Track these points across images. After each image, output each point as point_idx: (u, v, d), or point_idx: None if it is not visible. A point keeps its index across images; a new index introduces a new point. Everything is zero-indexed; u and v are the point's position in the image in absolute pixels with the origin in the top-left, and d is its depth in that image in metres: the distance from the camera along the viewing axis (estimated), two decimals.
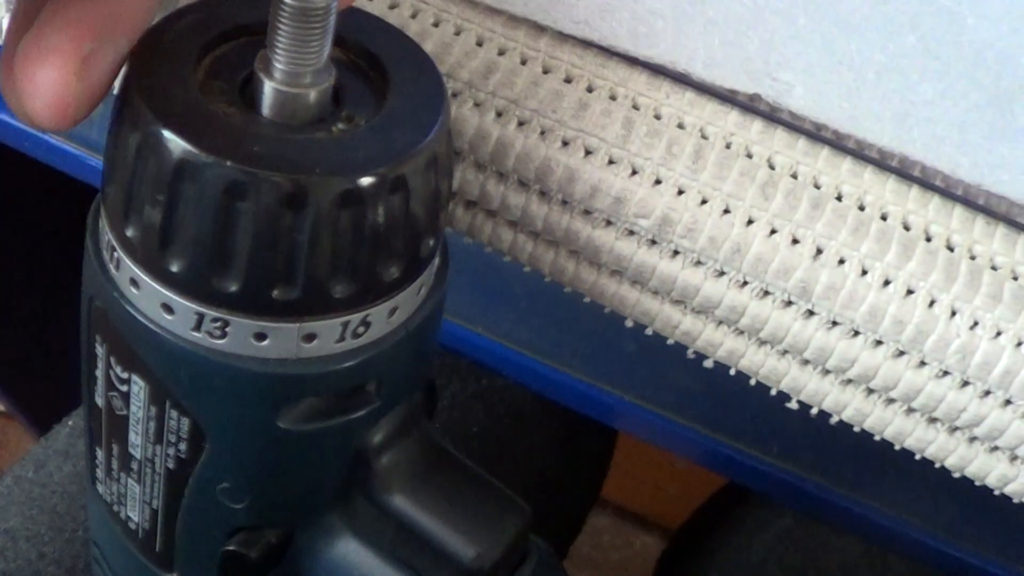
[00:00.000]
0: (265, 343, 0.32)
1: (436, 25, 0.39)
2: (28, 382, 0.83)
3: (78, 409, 0.59)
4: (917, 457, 0.40)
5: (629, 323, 0.40)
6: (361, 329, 0.33)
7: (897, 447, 0.40)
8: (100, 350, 0.35)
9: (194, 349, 0.33)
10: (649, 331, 0.40)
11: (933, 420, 0.39)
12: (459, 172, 0.39)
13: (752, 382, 0.40)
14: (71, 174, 0.53)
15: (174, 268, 0.32)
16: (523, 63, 0.38)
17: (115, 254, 0.33)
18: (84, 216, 0.35)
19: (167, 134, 0.31)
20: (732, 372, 0.40)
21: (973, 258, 0.38)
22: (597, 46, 0.38)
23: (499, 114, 0.38)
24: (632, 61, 0.38)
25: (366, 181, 0.31)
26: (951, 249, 0.38)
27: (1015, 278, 0.38)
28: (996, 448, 0.39)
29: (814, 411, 0.40)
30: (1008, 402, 0.38)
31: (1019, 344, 0.37)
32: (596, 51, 0.39)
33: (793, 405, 0.40)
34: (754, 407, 0.47)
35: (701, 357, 0.41)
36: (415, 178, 0.32)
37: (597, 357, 0.49)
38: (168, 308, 0.32)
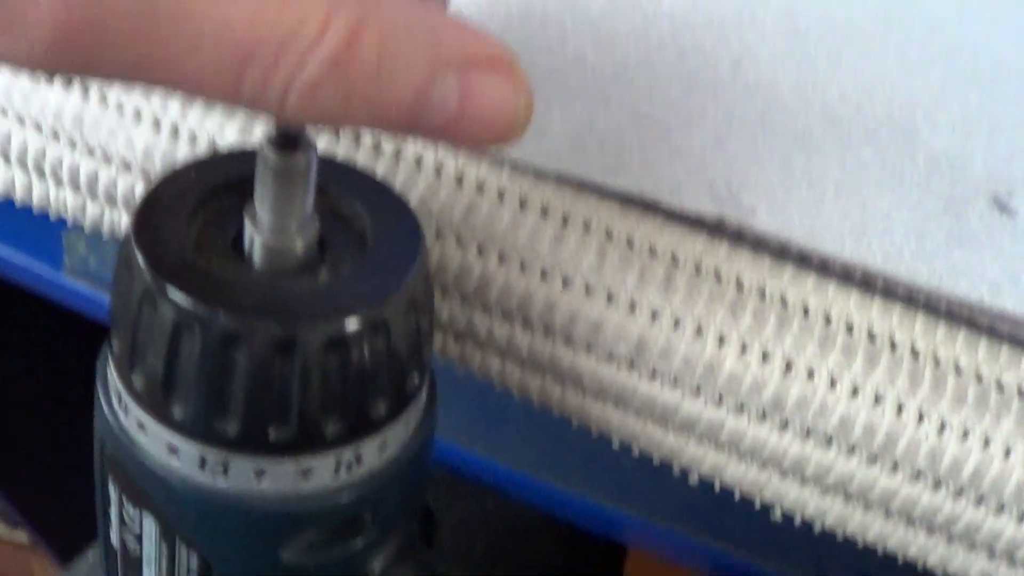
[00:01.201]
0: (264, 480, 0.35)
1: (418, 168, 0.41)
2: (52, 512, 0.85)
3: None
4: (900, 560, 0.42)
5: (616, 444, 0.42)
6: (354, 464, 0.35)
7: (880, 551, 0.42)
8: (112, 491, 0.37)
9: (199, 488, 0.35)
10: (636, 451, 0.42)
11: (911, 522, 0.41)
12: (446, 306, 0.41)
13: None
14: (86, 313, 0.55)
15: (177, 413, 0.34)
16: (501, 200, 0.41)
17: (122, 400, 0.35)
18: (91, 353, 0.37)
19: (165, 290, 0.33)
20: (716, 486, 0.42)
21: (937, 363, 0.40)
22: (570, 179, 0.41)
23: (480, 250, 0.40)
24: (603, 191, 0.41)
25: (350, 325, 0.34)
26: (916, 356, 0.40)
27: (979, 380, 0.40)
28: (974, 546, 0.41)
29: (797, 520, 0.42)
30: (981, 500, 0.39)
31: (986, 444, 0.39)
32: (569, 184, 0.41)
33: (776, 515, 0.42)
34: (759, 516, 0.48)
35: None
36: (396, 319, 0.34)
37: (598, 472, 0.51)
38: (173, 450, 0.35)
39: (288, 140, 0.33)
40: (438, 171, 0.41)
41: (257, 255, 0.35)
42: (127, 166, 0.42)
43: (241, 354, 0.33)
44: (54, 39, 0.26)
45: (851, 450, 0.40)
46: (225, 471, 0.34)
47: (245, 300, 0.34)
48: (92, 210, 0.44)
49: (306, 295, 0.34)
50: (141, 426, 0.35)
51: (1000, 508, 0.39)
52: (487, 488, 0.52)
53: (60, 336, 0.73)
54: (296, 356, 0.33)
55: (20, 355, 0.78)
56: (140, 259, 0.34)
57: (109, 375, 0.36)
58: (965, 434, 0.39)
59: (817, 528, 0.42)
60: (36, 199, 0.45)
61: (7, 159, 0.44)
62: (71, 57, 0.26)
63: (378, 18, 0.27)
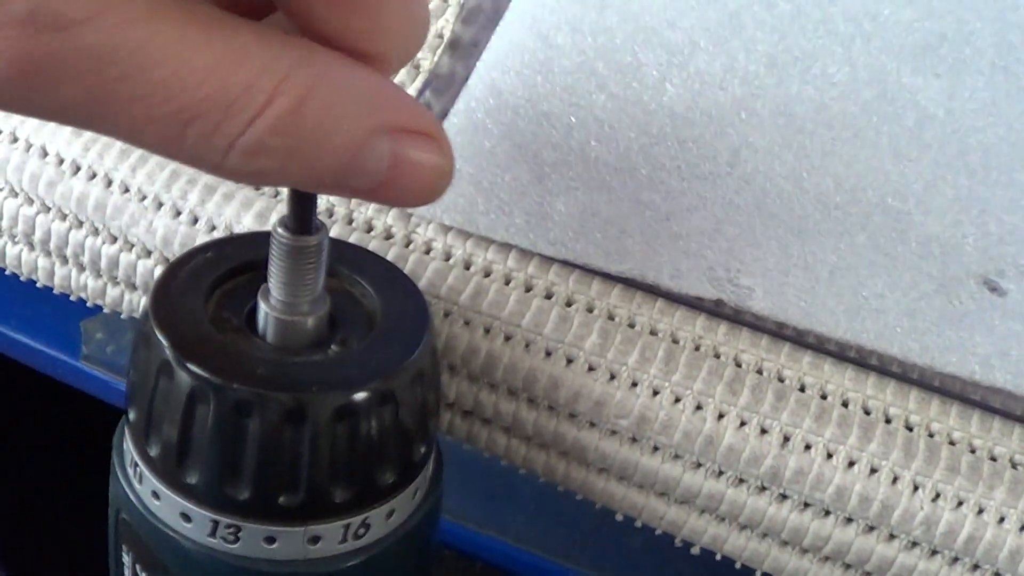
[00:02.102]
0: (274, 546, 0.36)
1: (428, 253, 0.43)
2: None
3: None
4: None
5: (619, 517, 0.43)
6: (362, 531, 0.37)
7: None
8: (127, 559, 0.39)
9: (211, 553, 0.36)
10: (638, 523, 0.43)
11: None
12: (454, 384, 0.42)
13: (738, 565, 0.43)
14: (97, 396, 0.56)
15: (191, 480, 0.35)
16: (507, 283, 0.42)
17: (138, 469, 0.37)
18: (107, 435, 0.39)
19: (180, 362, 0.35)
20: (718, 557, 0.43)
21: (931, 435, 0.41)
22: (574, 264, 0.42)
23: (487, 331, 0.42)
24: (606, 276, 0.42)
25: (358, 396, 0.35)
26: (910, 429, 0.41)
27: (972, 451, 0.41)
28: None
29: None
30: (976, 567, 0.40)
31: (980, 512, 0.40)
32: (573, 269, 0.42)
33: None
34: None
35: (706, 549, 0.43)
36: (403, 392, 0.36)
37: (605, 553, 0.52)
38: (186, 517, 0.36)
39: (301, 223, 0.35)
40: (447, 256, 0.43)
41: (270, 331, 0.36)
42: (147, 252, 0.44)
43: (253, 423, 0.34)
44: (9, 70, 0.26)
45: (848, 520, 0.41)
46: (236, 537, 0.36)
47: (257, 372, 0.35)
48: (112, 293, 0.46)
49: (316, 368, 0.36)
50: (155, 494, 0.36)
51: (995, 575, 0.40)
52: (498, 570, 0.52)
53: (77, 418, 0.74)
54: (306, 426, 0.34)
55: (35, 435, 0.80)
56: (158, 332, 0.35)
57: (125, 446, 0.38)
58: (959, 503, 0.40)
59: None
60: (58, 282, 0.46)
61: (31, 245, 0.46)
62: (20, 90, 0.26)
63: (325, 85, 0.28)
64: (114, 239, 0.45)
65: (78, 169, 0.45)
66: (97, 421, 0.45)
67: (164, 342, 0.35)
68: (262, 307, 0.36)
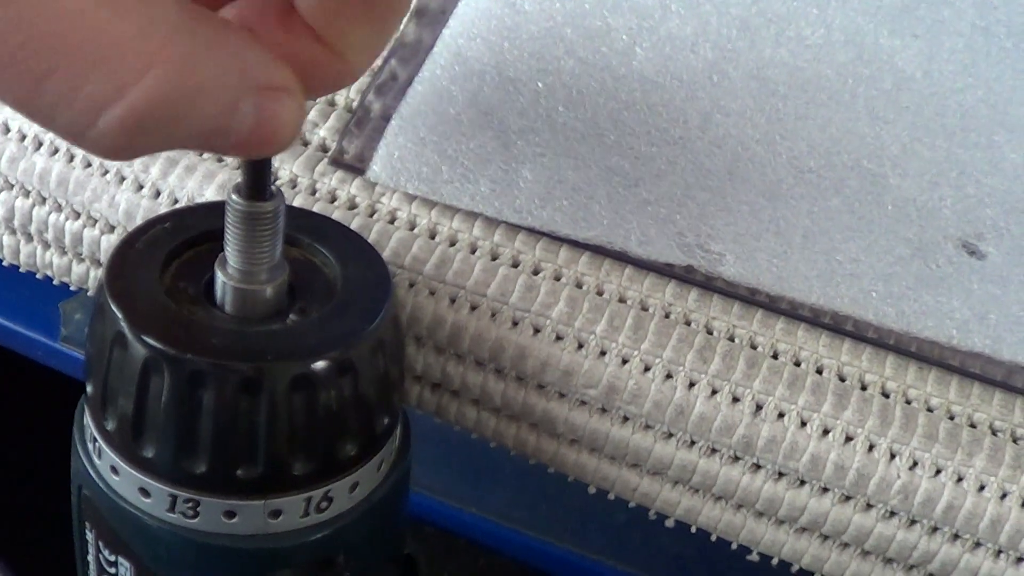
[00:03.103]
0: (235, 520, 0.35)
1: (392, 222, 0.42)
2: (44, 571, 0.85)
3: None
4: None
5: (592, 490, 0.43)
6: (324, 504, 0.36)
7: None
8: (90, 536, 0.38)
9: (170, 529, 0.35)
10: (611, 496, 0.42)
11: (888, 560, 0.41)
12: (421, 356, 0.42)
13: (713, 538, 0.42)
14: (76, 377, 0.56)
15: (148, 454, 0.35)
16: (473, 252, 0.41)
17: (97, 444, 0.36)
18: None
19: (134, 333, 0.34)
20: (693, 530, 0.42)
21: (908, 402, 0.40)
22: (540, 232, 0.42)
23: (452, 300, 0.41)
24: (574, 243, 0.42)
25: (316, 365, 0.34)
26: (886, 395, 0.40)
27: (951, 417, 0.40)
28: None
29: (774, 561, 0.42)
30: (956, 536, 0.39)
31: (959, 480, 0.39)
32: (540, 236, 0.42)
33: (754, 557, 0.42)
34: (747, 568, 0.48)
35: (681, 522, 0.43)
36: (362, 361, 0.35)
37: (589, 529, 0.51)
38: (145, 492, 0.35)
39: (255, 190, 0.34)
40: (411, 225, 0.42)
41: (227, 301, 0.36)
42: (111, 227, 0.43)
43: (208, 394, 0.34)
44: None
45: (824, 489, 0.40)
46: (195, 512, 0.35)
47: (213, 342, 0.34)
48: (77, 270, 0.45)
49: (274, 338, 0.35)
50: (114, 469, 0.36)
51: (976, 544, 0.39)
52: (480, 546, 0.52)
53: (55, 400, 0.74)
54: (262, 396, 0.34)
55: (12, 417, 0.80)
56: (112, 303, 0.35)
57: (85, 421, 0.37)
58: (938, 471, 0.39)
59: (795, 570, 0.42)
60: (23, 260, 0.46)
61: None
62: None
63: (203, 52, 0.28)
64: (77, 215, 0.44)
65: (40, 145, 0.44)
66: (76, 402, 0.44)
67: (118, 313, 0.34)
68: (219, 276, 0.36)
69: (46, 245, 0.45)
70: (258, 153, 0.30)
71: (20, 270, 0.47)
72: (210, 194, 0.42)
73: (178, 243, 0.37)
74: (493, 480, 0.51)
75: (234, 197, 0.34)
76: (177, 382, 0.34)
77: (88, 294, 0.46)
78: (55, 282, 0.46)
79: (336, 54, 0.31)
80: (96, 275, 0.45)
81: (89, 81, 0.25)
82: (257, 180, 0.34)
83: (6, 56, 0.25)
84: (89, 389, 0.36)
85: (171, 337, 0.34)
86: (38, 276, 0.47)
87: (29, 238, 0.45)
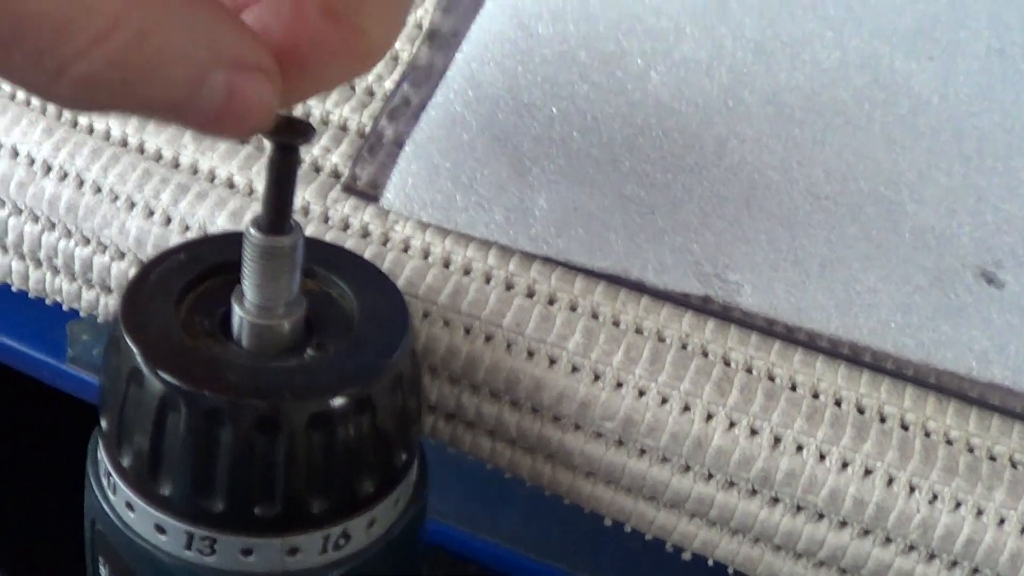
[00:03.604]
0: (251, 558, 0.35)
1: (406, 251, 0.42)
2: None
3: None
4: None
5: (608, 522, 0.42)
6: (342, 541, 0.36)
7: None
8: (104, 571, 0.38)
9: (187, 566, 0.35)
10: (628, 528, 0.42)
11: None
12: (435, 387, 0.41)
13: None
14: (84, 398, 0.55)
15: (164, 491, 0.34)
16: (488, 282, 0.41)
17: (111, 479, 0.36)
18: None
19: (150, 369, 0.34)
20: (710, 563, 0.42)
21: (928, 435, 0.40)
22: (556, 261, 0.41)
23: (467, 331, 0.40)
24: (589, 273, 0.41)
25: (334, 403, 0.34)
26: (905, 428, 0.40)
27: (970, 450, 0.40)
28: None
29: None
30: (975, 571, 0.39)
31: (979, 513, 0.39)
32: (555, 266, 0.41)
33: None
34: None
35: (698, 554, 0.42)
36: (381, 397, 0.35)
37: (603, 557, 0.50)
38: (161, 529, 0.35)
39: (274, 223, 0.34)
40: (425, 254, 0.42)
41: (244, 336, 0.35)
42: (121, 254, 0.43)
43: (225, 432, 0.33)
44: None
45: (842, 523, 0.39)
46: (212, 549, 0.35)
47: (230, 378, 0.34)
48: (87, 296, 0.45)
49: (291, 374, 0.35)
50: (129, 505, 0.35)
51: None
52: (491, 572, 0.51)
53: (63, 421, 0.73)
54: (281, 434, 0.33)
55: (22, 438, 0.79)
56: (127, 338, 0.34)
57: (99, 456, 0.37)
58: (957, 505, 0.39)
59: None
60: (32, 286, 0.45)
61: (4, 248, 0.45)
62: None
63: (167, 18, 0.27)
64: (87, 241, 0.43)
65: (49, 169, 0.44)
66: (84, 424, 0.44)
67: (134, 348, 0.34)
68: (236, 311, 0.35)
69: (56, 271, 0.45)
70: (224, 132, 0.30)
71: (29, 296, 0.46)
72: (222, 221, 0.42)
73: (193, 275, 0.37)
74: (506, 505, 0.50)
75: (252, 231, 0.34)
76: (194, 419, 0.33)
77: (98, 320, 0.45)
78: (64, 308, 0.46)
79: (353, 30, 0.30)
80: (106, 302, 0.44)
81: (52, 46, 0.26)
82: (278, 214, 0.34)
83: None
84: (103, 424, 0.36)
85: (188, 373, 0.34)
86: (47, 302, 0.46)
87: (39, 264, 0.45)
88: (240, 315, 0.35)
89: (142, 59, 0.27)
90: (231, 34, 0.29)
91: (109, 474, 0.36)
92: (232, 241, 0.36)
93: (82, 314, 0.45)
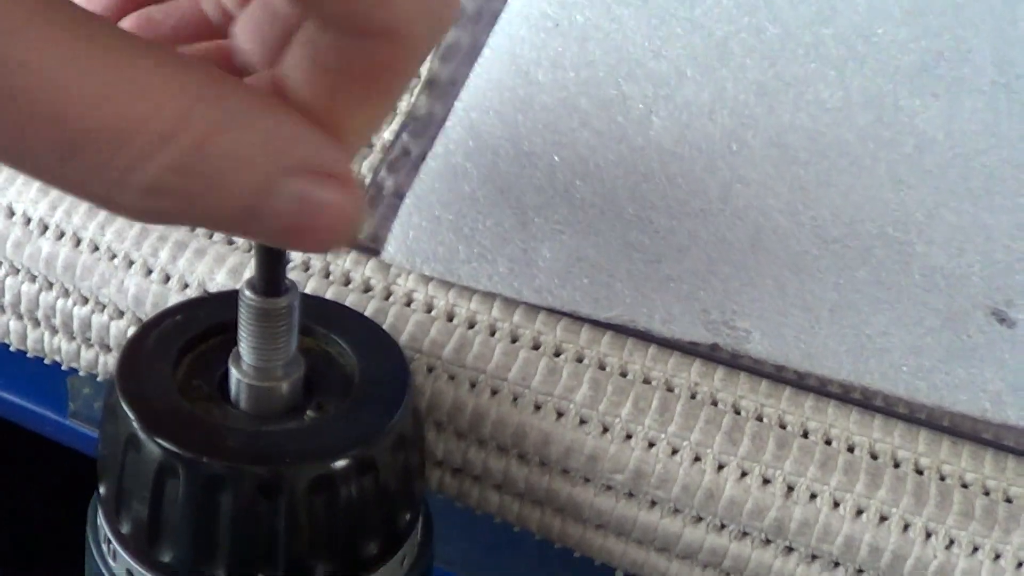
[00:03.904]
0: None
1: (408, 305, 0.41)
2: None
3: None
4: None
5: (620, 574, 0.41)
6: None
7: None
8: None
9: None
10: None
11: None
12: (441, 442, 0.41)
13: None
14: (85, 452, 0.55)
15: (165, 558, 0.34)
16: (492, 335, 0.40)
17: (111, 546, 0.35)
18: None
19: (148, 436, 0.33)
20: None
21: (943, 479, 0.39)
22: (561, 312, 0.41)
23: (472, 385, 0.40)
24: (595, 323, 0.41)
25: (336, 465, 0.33)
26: (920, 472, 0.39)
27: (986, 493, 0.39)
28: None
29: None
30: None
31: (997, 557, 0.38)
32: (560, 317, 0.41)
33: None
34: None
35: None
36: (384, 458, 0.34)
37: None
38: None
39: (269, 285, 0.33)
40: (429, 307, 0.41)
41: (242, 398, 0.35)
42: (120, 312, 0.42)
43: (226, 498, 0.33)
44: None
45: (859, 571, 0.39)
46: None
47: (229, 443, 0.33)
48: (86, 355, 0.44)
49: (291, 437, 0.34)
50: (130, 573, 0.35)
51: None
52: None
53: (65, 476, 0.73)
54: (282, 499, 0.33)
55: (24, 493, 0.79)
56: (123, 403, 0.34)
57: (99, 522, 0.36)
58: (975, 549, 0.38)
59: None
60: (31, 345, 0.45)
61: (2, 308, 0.44)
62: None
63: (231, 121, 0.26)
64: (85, 300, 0.43)
65: (46, 228, 0.43)
66: (86, 478, 0.43)
67: (130, 414, 0.34)
68: (233, 373, 0.35)
69: (53, 330, 0.44)
70: (303, 247, 0.28)
71: (28, 355, 0.46)
72: (221, 278, 0.41)
73: (190, 337, 0.36)
74: (512, 551, 0.50)
75: (247, 293, 0.33)
76: (193, 486, 0.33)
77: (98, 379, 0.45)
78: (63, 367, 0.45)
79: (328, 128, 0.28)
80: (106, 360, 0.44)
81: (111, 157, 0.25)
82: (271, 275, 0.33)
83: (30, 140, 0.24)
84: (102, 490, 0.35)
85: (186, 439, 0.33)
86: (46, 361, 0.46)
87: (36, 323, 0.44)
88: (238, 377, 0.35)
89: (204, 164, 0.25)
90: (302, 137, 0.27)
91: (109, 540, 0.35)
92: (229, 300, 0.36)
93: (82, 373, 0.45)
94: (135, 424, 0.33)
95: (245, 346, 0.34)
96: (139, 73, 0.25)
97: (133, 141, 0.25)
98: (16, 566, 0.80)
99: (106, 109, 0.24)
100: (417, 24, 0.27)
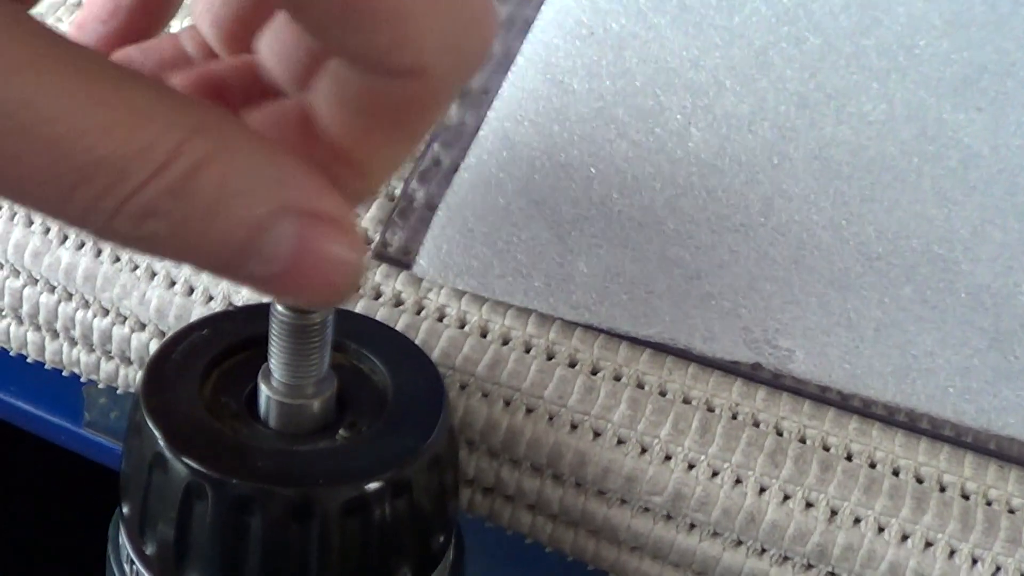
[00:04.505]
0: None
1: (441, 320, 0.40)
2: None
3: None
4: None
5: None
6: None
7: None
8: None
9: None
10: None
11: None
12: (473, 461, 0.39)
13: None
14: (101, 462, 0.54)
15: None
16: (527, 351, 0.39)
17: (134, 567, 0.34)
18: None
19: (174, 456, 0.32)
20: None
21: (989, 503, 0.38)
22: (599, 329, 0.39)
23: (507, 403, 0.39)
24: (634, 340, 0.39)
25: (370, 488, 0.32)
26: (966, 497, 0.38)
27: None
28: None
29: None
30: None
31: None
32: (598, 334, 0.40)
33: None
34: None
35: None
36: (419, 479, 0.33)
37: None
38: None
39: None
40: (462, 323, 0.40)
41: (272, 416, 0.34)
42: (141, 325, 0.41)
43: (255, 521, 0.32)
44: None
45: None
46: None
47: (259, 464, 0.32)
48: (107, 368, 0.43)
49: (323, 458, 0.33)
50: None
51: None
52: None
53: (82, 486, 0.72)
54: (314, 522, 0.32)
55: (40, 503, 0.78)
56: (149, 421, 0.33)
57: (121, 540, 0.35)
58: None
59: None
60: (49, 357, 0.44)
61: (20, 319, 0.43)
62: None
63: (227, 153, 0.25)
64: (106, 312, 0.42)
65: (65, 238, 0.42)
66: (102, 488, 0.42)
67: (156, 433, 0.32)
68: (263, 390, 0.34)
69: (73, 342, 0.43)
70: (296, 296, 0.27)
71: (46, 367, 0.44)
72: (246, 292, 0.40)
73: (217, 352, 0.35)
74: (538, 568, 0.49)
75: (280, 307, 0.32)
76: (222, 507, 0.32)
77: (118, 391, 0.44)
78: (83, 379, 0.44)
79: (356, 172, 0.28)
80: (126, 373, 0.43)
81: (111, 187, 0.24)
82: None
83: (37, 174, 0.24)
84: (125, 509, 0.34)
85: (214, 459, 0.32)
86: (64, 373, 0.44)
87: (55, 335, 0.43)
88: (267, 394, 0.33)
89: (199, 191, 0.25)
90: (301, 178, 0.26)
91: (132, 562, 0.34)
92: (257, 314, 0.35)
93: (100, 385, 0.44)
94: (161, 442, 0.32)
95: (276, 362, 0.33)
96: (139, 106, 0.25)
97: (132, 169, 0.24)
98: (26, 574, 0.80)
99: (108, 141, 0.24)
100: (444, 64, 0.26)
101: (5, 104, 0.23)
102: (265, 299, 0.39)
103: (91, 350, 0.43)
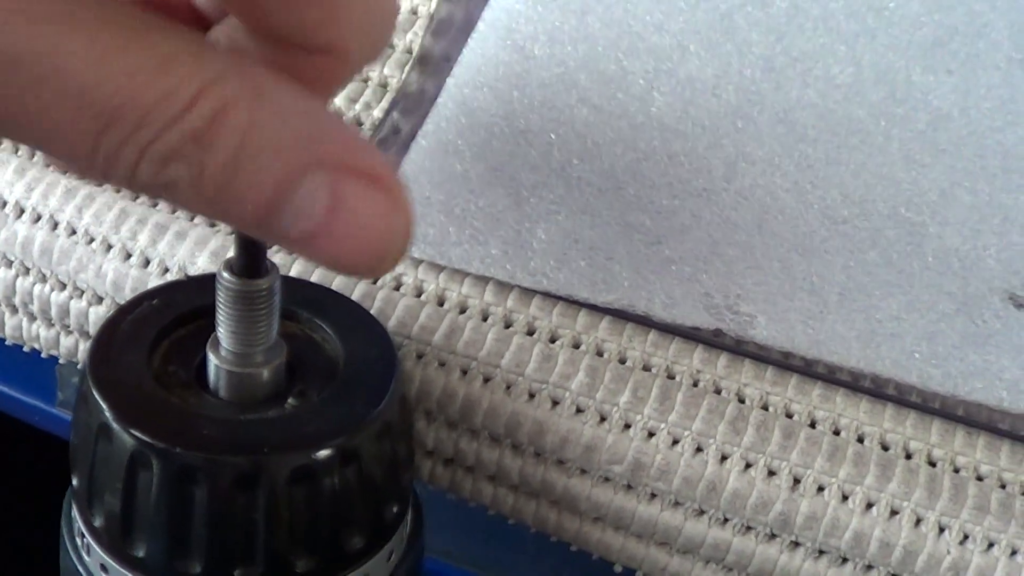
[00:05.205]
0: None
1: (397, 289, 0.39)
2: None
3: None
4: None
5: (618, 568, 0.40)
6: None
7: None
8: None
9: None
10: (639, 575, 0.40)
11: None
12: (432, 431, 0.39)
13: None
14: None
15: (138, 553, 0.32)
16: (485, 320, 0.39)
17: (85, 541, 0.34)
18: None
19: (119, 425, 0.31)
20: None
21: (957, 471, 0.37)
22: (557, 296, 0.39)
23: (464, 372, 0.38)
24: (593, 307, 0.39)
25: (318, 455, 0.32)
26: (933, 464, 0.37)
27: (1002, 486, 0.37)
28: None
29: None
30: None
31: (1013, 553, 0.36)
32: (556, 301, 0.39)
33: None
34: None
35: None
36: (369, 448, 0.33)
37: None
38: None
39: (249, 266, 0.31)
40: (418, 291, 0.39)
41: (221, 385, 0.33)
42: (99, 298, 0.41)
43: (201, 490, 0.31)
44: None
45: (868, 567, 0.37)
46: None
47: (205, 432, 0.32)
48: (66, 342, 0.43)
49: (271, 426, 0.33)
50: (104, 567, 0.33)
51: None
52: None
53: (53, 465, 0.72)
54: (261, 490, 0.31)
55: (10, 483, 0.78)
56: (95, 392, 0.32)
57: (73, 516, 0.35)
58: (990, 544, 0.36)
59: None
60: (9, 332, 0.43)
61: None
62: None
63: (254, 100, 0.24)
64: (63, 285, 0.41)
65: (22, 212, 0.42)
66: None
67: (102, 403, 0.32)
68: (211, 359, 0.33)
69: (32, 317, 0.43)
70: (331, 260, 0.25)
71: (7, 343, 0.44)
72: (203, 262, 0.40)
73: (167, 322, 0.35)
74: (511, 543, 0.48)
75: (225, 275, 0.31)
76: (168, 477, 0.31)
77: (79, 367, 0.43)
78: (43, 355, 0.44)
79: (334, 58, 0.27)
80: (86, 347, 0.42)
81: (138, 129, 0.24)
82: (250, 255, 0.31)
83: (66, 120, 0.24)
84: (75, 482, 0.34)
85: (160, 428, 0.31)
86: (25, 349, 0.44)
87: (14, 310, 0.43)
88: (216, 364, 0.33)
89: (223, 137, 0.24)
90: (339, 131, 0.25)
91: (83, 535, 0.34)
92: (209, 284, 0.34)
93: (62, 360, 0.43)
94: (107, 413, 0.32)
95: (223, 331, 0.32)
96: (164, 52, 0.24)
97: (156, 114, 0.23)
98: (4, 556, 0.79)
99: (132, 86, 0.23)
100: (360, 45, 0.27)
101: (29, 55, 0.23)
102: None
103: (50, 324, 0.42)
